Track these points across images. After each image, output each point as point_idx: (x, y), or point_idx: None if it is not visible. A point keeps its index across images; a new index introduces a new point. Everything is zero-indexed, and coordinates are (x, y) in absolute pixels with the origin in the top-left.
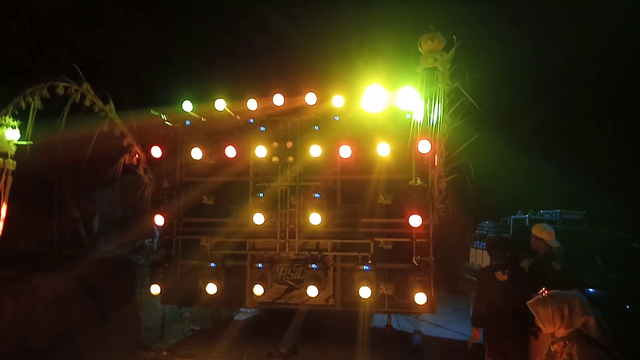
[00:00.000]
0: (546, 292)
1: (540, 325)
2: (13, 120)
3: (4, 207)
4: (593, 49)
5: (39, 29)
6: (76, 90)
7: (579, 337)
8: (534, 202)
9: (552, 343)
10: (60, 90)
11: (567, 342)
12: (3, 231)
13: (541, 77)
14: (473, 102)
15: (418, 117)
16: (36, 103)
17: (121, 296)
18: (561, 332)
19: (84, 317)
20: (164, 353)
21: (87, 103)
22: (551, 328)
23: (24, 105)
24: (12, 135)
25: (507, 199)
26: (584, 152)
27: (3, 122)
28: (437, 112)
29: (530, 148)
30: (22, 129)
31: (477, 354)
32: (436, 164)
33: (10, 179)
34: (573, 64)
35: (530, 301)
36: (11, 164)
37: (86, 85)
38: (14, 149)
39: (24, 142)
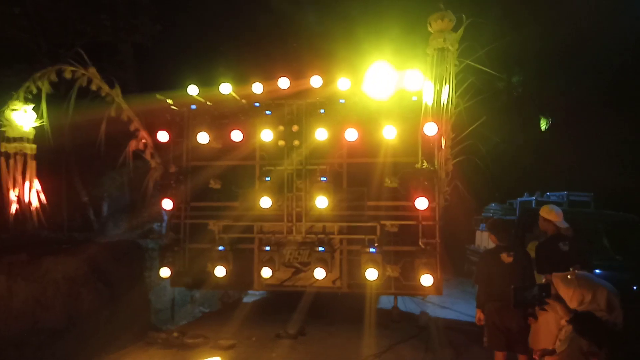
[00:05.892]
0: (575, 271)
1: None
2: (26, 104)
3: (35, 190)
4: (604, 24)
5: (43, 14)
6: (83, 75)
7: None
8: (541, 184)
9: (561, 319)
10: (67, 75)
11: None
12: (20, 214)
13: (549, 55)
14: (491, 71)
15: (425, 99)
16: (46, 87)
17: (131, 279)
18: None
19: (94, 299)
20: (175, 334)
21: (94, 87)
22: (567, 302)
23: (34, 90)
24: (27, 118)
25: (514, 181)
26: (592, 133)
27: (16, 106)
28: (445, 93)
29: (538, 129)
30: (33, 112)
31: (482, 335)
32: (443, 146)
33: (34, 163)
34: (582, 40)
35: (557, 274)
36: (31, 148)
37: (92, 70)
38: (32, 132)
39: (38, 123)
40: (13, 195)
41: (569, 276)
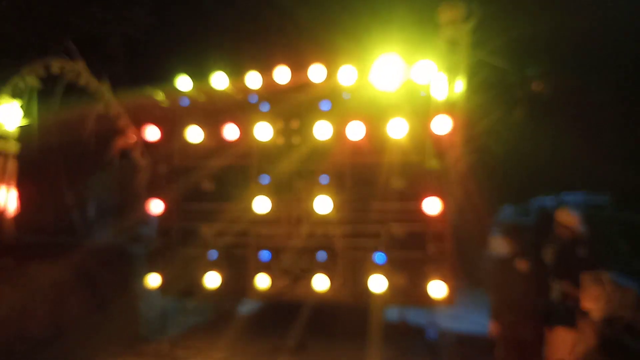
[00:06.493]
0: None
1: (581, 296)
2: (13, 100)
3: (14, 192)
4: (622, 15)
5: (32, 6)
6: (71, 69)
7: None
8: (557, 184)
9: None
10: (55, 69)
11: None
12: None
13: (568, 46)
14: (502, 65)
15: (435, 93)
16: (34, 82)
17: (119, 286)
18: (596, 314)
19: (81, 307)
20: (166, 345)
21: (82, 82)
22: (591, 304)
23: (22, 85)
24: (12, 116)
25: (529, 181)
26: (613, 131)
27: (2, 103)
28: (456, 87)
29: (555, 126)
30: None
31: (495, 347)
32: (454, 144)
33: (15, 162)
34: (603, 30)
35: (587, 274)
36: (13, 146)
37: (81, 63)
38: (16, 130)
39: (24, 122)
40: None
41: (599, 276)
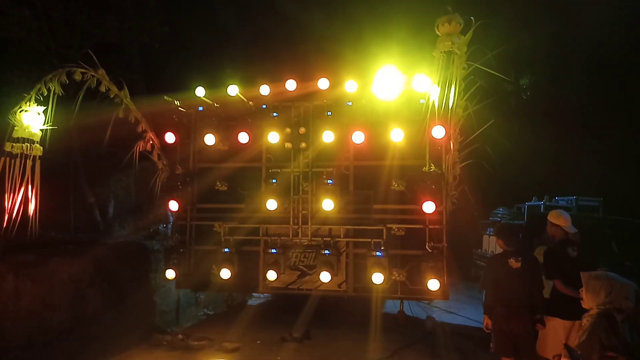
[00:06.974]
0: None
1: (582, 295)
2: (37, 105)
3: (34, 193)
4: (614, 28)
5: (52, 16)
6: (92, 76)
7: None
8: (549, 188)
9: (583, 317)
10: (77, 77)
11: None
12: (24, 217)
13: (560, 57)
14: (499, 75)
15: (433, 102)
16: (57, 89)
17: (136, 280)
18: (595, 310)
19: (100, 300)
20: (179, 336)
21: (103, 89)
22: (591, 301)
23: (45, 92)
24: (37, 121)
25: (522, 185)
26: (603, 137)
27: (27, 108)
28: (452, 97)
29: (547, 133)
30: (42, 115)
31: (489, 340)
32: (451, 149)
33: (38, 164)
34: (593, 43)
35: (586, 272)
36: (38, 150)
37: (101, 72)
38: (39, 134)
39: (47, 126)
40: (11, 200)
41: (601, 271)
